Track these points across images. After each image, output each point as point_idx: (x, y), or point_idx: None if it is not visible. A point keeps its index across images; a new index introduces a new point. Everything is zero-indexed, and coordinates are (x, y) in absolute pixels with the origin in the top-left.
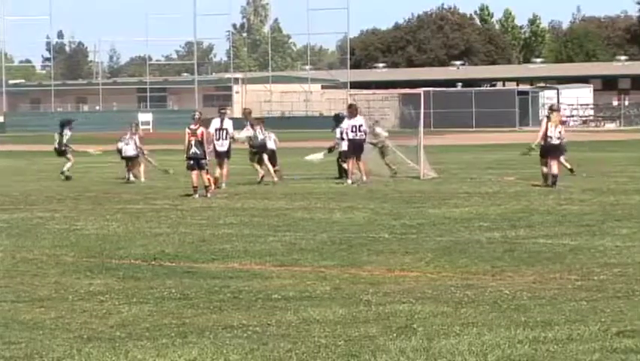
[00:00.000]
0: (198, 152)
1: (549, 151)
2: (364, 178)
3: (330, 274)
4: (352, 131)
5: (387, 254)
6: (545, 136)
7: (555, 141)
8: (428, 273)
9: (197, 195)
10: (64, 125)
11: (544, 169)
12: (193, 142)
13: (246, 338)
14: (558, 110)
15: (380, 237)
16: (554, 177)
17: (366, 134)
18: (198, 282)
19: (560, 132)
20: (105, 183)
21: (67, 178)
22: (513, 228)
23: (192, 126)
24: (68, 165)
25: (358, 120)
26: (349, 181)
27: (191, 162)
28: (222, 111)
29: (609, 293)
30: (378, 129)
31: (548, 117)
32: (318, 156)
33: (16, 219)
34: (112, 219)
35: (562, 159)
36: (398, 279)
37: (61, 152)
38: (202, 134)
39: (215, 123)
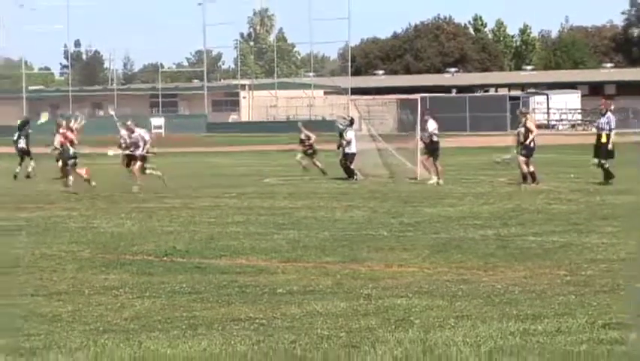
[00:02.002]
0: (76, 150)
1: (533, 151)
2: (441, 180)
3: (332, 269)
4: (435, 134)
5: (385, 251)
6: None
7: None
8: (425, 268)
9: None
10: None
11: (526, 168)
12: (69, 144)
13: (252, 330)
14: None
15: (379, 234)
16: (534, 173)
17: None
18: (207, 277)
19: None
20: (119, 184)
21: (28, 177)
22: (505, 226)
23: (62, 130)
24: (33, 164)
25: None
26: (435, 178)
27: (76, 160)
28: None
29: (596, 288)
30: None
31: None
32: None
33: (36, 217)
34: (126, 218)
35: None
36: (396, 274)
37: (26, 152)
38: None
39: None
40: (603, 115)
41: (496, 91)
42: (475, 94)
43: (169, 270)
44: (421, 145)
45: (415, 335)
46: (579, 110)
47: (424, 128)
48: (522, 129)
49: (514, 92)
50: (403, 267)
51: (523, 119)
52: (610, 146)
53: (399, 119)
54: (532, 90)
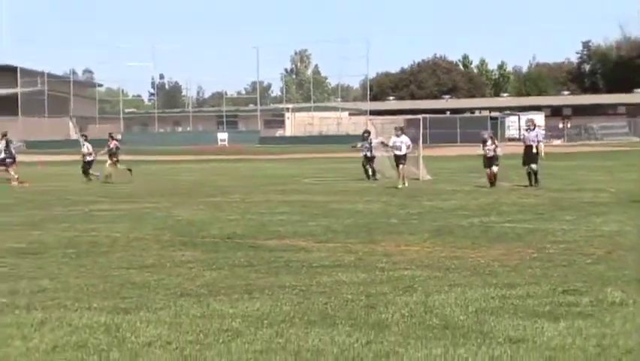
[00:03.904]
0: None
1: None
2: (406, 183)
3: (355, 248)
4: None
5: (395, 234)
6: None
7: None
8: (425, 248)
9: None
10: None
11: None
12: None
13: (294, 294)
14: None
15: (391, 221)
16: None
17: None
18: (260, 254)
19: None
20: (192, 183)
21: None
22: (487, 215)
23: None
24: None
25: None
26: (402, 183)
27: None
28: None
29: (557, 263)
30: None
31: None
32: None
33: (130, 208)
34: (198, 209)
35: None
36: (404, 252)
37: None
38: None
39: None
40: (532, 130)
41: (480, 112)
42: (464, 115)
43: (230, 248)
44: (397, 153)
45: (418, 299)
46: (543, 128)
47: (398, 142)
48: (492, 147)
49: (494, 114)
50: (409, 246)
51: (490, 140)
52: (537, 154)
53: (405, 134)
54: (508, 112)
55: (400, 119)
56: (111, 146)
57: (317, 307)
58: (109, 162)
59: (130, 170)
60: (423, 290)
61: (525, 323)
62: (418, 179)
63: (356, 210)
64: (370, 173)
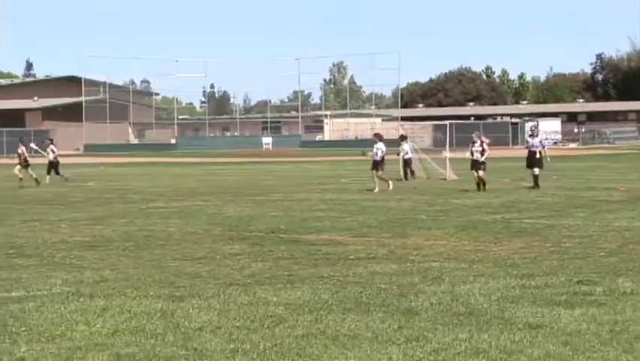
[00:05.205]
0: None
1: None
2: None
3: (387, 242)
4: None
5: (424, 229)
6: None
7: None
8: (452, 242)
9: None
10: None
11: (479, 177)
12: None
13: (332, 284)
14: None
15: (420, 218)
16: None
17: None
18: (301, 247)
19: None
20: (239, 183)
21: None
22: (508, 212)
23: None
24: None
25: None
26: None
27: None
28: None
29: (572, 255)
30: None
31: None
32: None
33: (183, 206)
34: (245, 206)
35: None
36: (432, 246)
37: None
38: None
39: None
40: (536, 136)
41: (502, 118)
42: (487, 120)
43: (274, 242)
44: (375, 159)
45: (446, 288)
46: (560, 132)
47: (374, 148)
48: (479, 149)
49: (514, 120)
50: (437, 241)
51: (479, 141)
52: (541, 159)
53: (433, 138)
54: (527, 118)
55: (429, 125)
56: (19, 152)
57: (353, 295)
58: (19, 166)
59: (38, 181)
60: (450, 280)
61: (543, 311)
62: (444, 179)
63: (389, 208)
64: (409, 173)
